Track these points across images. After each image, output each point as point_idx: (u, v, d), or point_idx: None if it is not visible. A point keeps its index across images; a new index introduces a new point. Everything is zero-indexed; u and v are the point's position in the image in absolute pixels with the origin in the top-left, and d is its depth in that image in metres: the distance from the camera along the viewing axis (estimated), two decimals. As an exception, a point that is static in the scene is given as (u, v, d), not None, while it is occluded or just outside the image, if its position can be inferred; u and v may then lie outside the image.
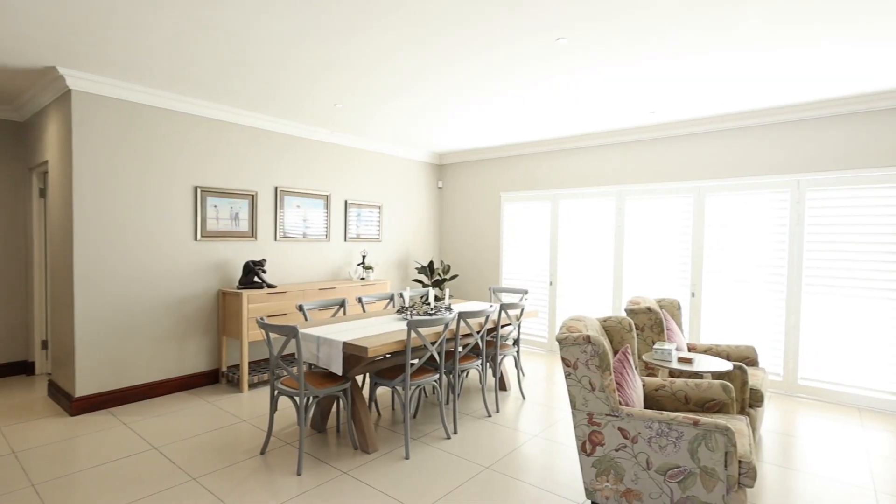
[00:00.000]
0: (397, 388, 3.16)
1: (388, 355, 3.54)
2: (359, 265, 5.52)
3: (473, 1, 2.46)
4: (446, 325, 3.20)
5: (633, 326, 2.86)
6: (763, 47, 2.97)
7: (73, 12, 2.61)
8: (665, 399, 2.76)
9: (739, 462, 2.10)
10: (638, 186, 5.15)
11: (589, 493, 2.40)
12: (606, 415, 2.32)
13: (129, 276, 3.92)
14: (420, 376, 3.20)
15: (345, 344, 2.92)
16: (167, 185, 4.14)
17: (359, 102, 4.27)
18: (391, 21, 2.69)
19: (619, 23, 2.68)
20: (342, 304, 4.03)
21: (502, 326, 4.41)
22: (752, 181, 4.47)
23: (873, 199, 3.94)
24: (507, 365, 5.27)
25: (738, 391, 3.00)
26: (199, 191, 4.31)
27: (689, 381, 2.77)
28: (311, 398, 2.94)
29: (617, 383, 2.43)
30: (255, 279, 4.70)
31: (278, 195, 4.94)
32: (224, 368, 4.46)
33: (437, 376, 3.28)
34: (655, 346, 3.12)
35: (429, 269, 6.19)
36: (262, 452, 3.03)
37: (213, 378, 4.47)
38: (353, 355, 3.09)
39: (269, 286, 4.52)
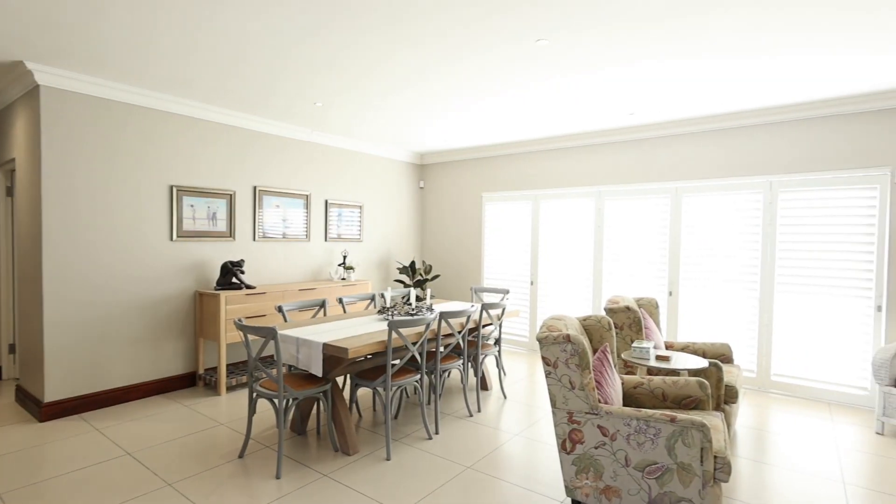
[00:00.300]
0: (378, 388, 3.14)
1: (369, 356, 3.52)
2: (340, 265, 5.47)
3: (453, 3, 2.45)
4: (427, 326, 3.19)
5: (613, 325, 2.90)
6: (737, 55, 3.04)
7: (41, 4, 2.52)
8: (643, 396, 2.81)
9: (715, 457, 2.15)
10: (617, 187, 5.22)
11: (569, 490, 2.42)
12: (586, 413, 2.34)
13: (101, 277, 3.81)
14: (401, 377, 3.18)
15: (325, 345, 2.88)
16: (142, 183, 4.04)
17: (340, 102, 4.23)
18: (369, 20, 2.67)
19: (598, 25, 2.71)
20: (322, 304, 3.98)
21: (484, 326, 4.42)
22: (726, 182, 4.58)
23: (841, 199, 4.07)
24: (489, 364, 5.29)
25: (714, 388, 3.07)
26: (175, 190, 4.22)
27: (667, 378, 2.82)
28: (290, 400, 2.90)
29: (596, 381, 2.46)
30: (234, 280, 4.62)
31: (257, 195, 4.87)
32: (201, 371, 4.37)
33: (418, 377, 3.27)
34: (634, 344, 3.17)
35: (410, 270, 6.17)
36: (241, 456, 2.98)
37: (189, 381, 4.38)
38: (334, 356, 3.06)
39: (248, 287, 4.44)
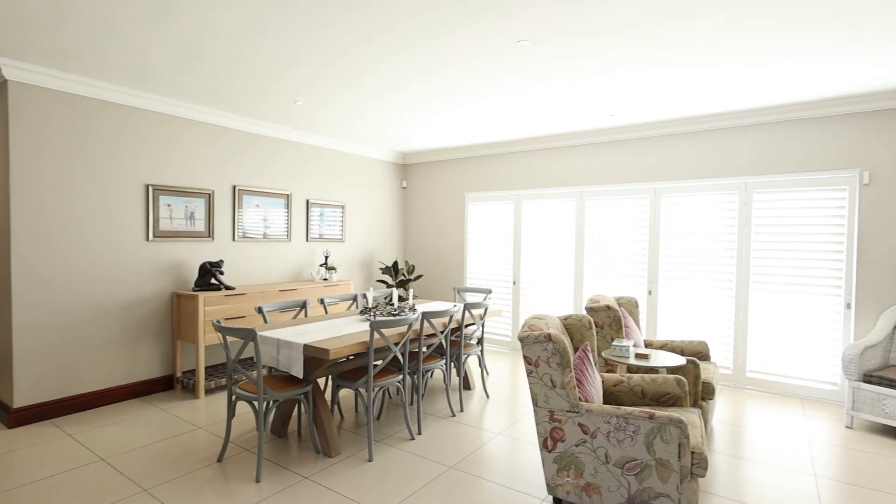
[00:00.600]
0: (360, 389, 3.12)
1: (350, 357, 3.49)
2: (321, 266, 5.42)
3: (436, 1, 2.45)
4: (410, 326, 3.18)
5: (593, 324, 2.93)
6: (712, 61, 3.11)
7: (7, -3, 2.44)
8: (623, 394, 2.84)
9: (692, 453, 2.19)
10: (598, 187, 5.29)
11: (550, 488, 2.44)
12: (567, 411, 2.36)
13: (74, 278, 3.70)
14: (383, 377, 3.17)
15: (306, 346, 2.85)
16: (116, 182, 3.94)
17: (321, 101, 4.19)
18: (352, 20, 2.65)
19: (578, 26, 2.74)
20: (303, 305, 3.94)
21: (466, 326, 4.43)
22: (703, 183, 4.67)
23: (812, 200, 4.19)
24: (472, 364, 5.30)
25: (691, 385, 3.13)
26: (151, 189, 4.12)
27: (646, 376, 2.87)
28: (270, 402, 2.86)
29: (577, 380, 2.48)
30: (213, 281, 4.54)
31: (236, 194, 4.79)
32: (179, 374, 4.28)
33: (400, 377, 3.26)
34: (614, 342, 3.21)
35: (393, 270, 6.15)
36: (220, 460, 2.93)
37: (167, 384, 4.28)
38: (315, 358, 3.03)
39: (227, 288, 4.37)
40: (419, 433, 3.38)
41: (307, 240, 5.55)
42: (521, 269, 5.87)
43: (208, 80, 3.70)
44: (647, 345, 3.96)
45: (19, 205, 3.43)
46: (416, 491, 2.62)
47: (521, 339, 2.42)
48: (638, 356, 3.18)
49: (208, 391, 4.25)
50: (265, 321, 3.65)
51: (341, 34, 2.87)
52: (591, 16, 2.60)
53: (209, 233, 4.58)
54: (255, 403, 2.84)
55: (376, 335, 3.22)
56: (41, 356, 3.56)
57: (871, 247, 3.95)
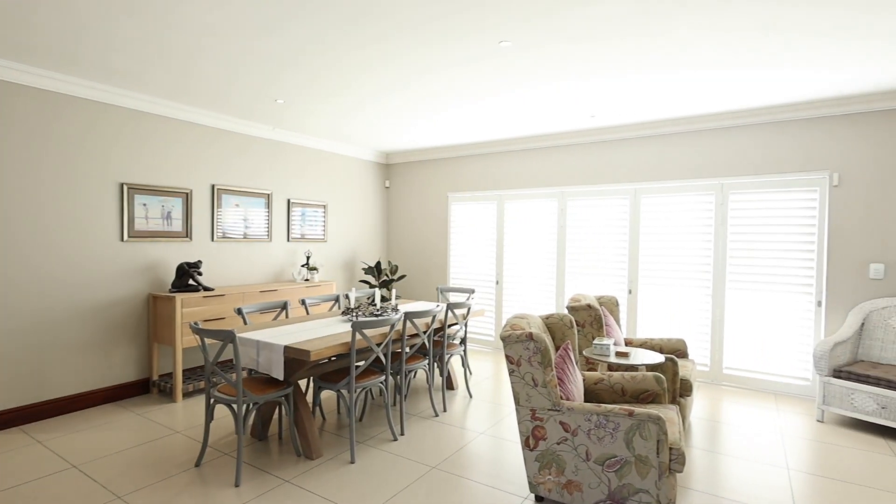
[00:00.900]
0: (342, 391, 3.09)
1: (332, 358, 3.46)
2: (303, 266, 5.36)
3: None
4: (392, 326, 3.17)
5: (574, 323, 2.96)
6: (689, 67, 3.17)
7: (-28, -12, 2.35)
8: (603, 392, 2.88)
9: (670, 449, 2.23)
10: (579, 188, 5.35)
11: (532, 486, 2.46)
12: (548, 409, 2.38)
13: (43, 280, 3.59)
14: (366, 378, 3.15)
15: (286, 347, 2.82)
16: (88, 181, 3.83)
17: (302, 99, 4.14)
18: (331, 15, 2.63)
19: (558, 27, 2.76)
20: (284, 306, 3.89)
21: (449, 326, 4.43)
22: (681, 184, 4.76)
23: (785, 201, 4.30)
24: (455, 364, 5.31)
25: (670, 382, 3.18)
26: (125, 188, 4.02)
27: (626, 373, 2.91)
28: (250, 405, 2.82)
29: (558, 378, 2.50)
30: (190, 282, 4.45)
31: (215, 193, 4.70)
32: (155, 377, 4.18)
33: (383, 378, 3.24)
34: (595, 341, 3.25)
35: (376, 270, 6.11)
36: (198, 465, 2.87)
37: (143, 388, 4.18)
38: (296, 359, 2.99)
39: (206, 289, 4.29)
40: (402, 434, 3.37)
41: (288, 240, 5.48)
42: (504, 268, 5.90)
43: (184, 77, 3.62)
44: (628, 343, 4.02)
45: (-14, 204, 3.31)
46: (399, 492, 2.61)
47: (503, 339, 2.43)
48: (618, 354, 3.22)
49: (186, 395, 4.16)
50: (245, 323, 3.59)
51: (321, 31, 2.84)
52: (569, 19, 2.62)
53: (187, 233, 4.48)
54: (234, 406, 2.79)
55: (358, 336, 3.20)
56: (8, 361, 3.44)
57: (841, 246, 4.08)
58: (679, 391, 3.25)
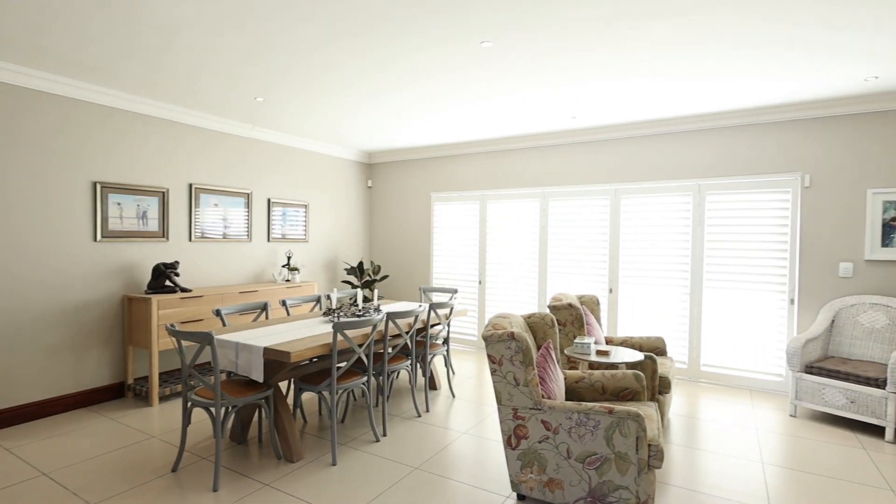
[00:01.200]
0: (324, 392, 3.06)
1: (314, 359, 3.42)
2: (284, 267, 5.29)
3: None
4: (374, 327, 3.15)
5: (556, 322, 2.99)
6: (663, 75, 3.23)
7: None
8: (584, 390, 2.91)
9: (649, 445, 2.26)
10: (561, 188, 5.39)
11: (514, 485, 2.47)
12: (530, 408, 2.40)
13: (13, 280, 3.46)
14: (348, 379, 3.12)
15: (266, 349, 2.78)
16: (59, 179, 3.71)
17: (282, 98, 4.09)
18: (317, 13, 2.60)
19: (538, 28, 2.78)
20: (264, 307, 3.84)
21: (432, 326, 4.42)
22: (660, 185, 4.85)
23: (759, 202, 4.41)
24: (438, 364, 5.30)
25: (649, 379, 3.23)
26: (98, 186, 3.91)
27: (606, 372, 2.94)
28: (229, 408, 2.77)
29: (540, 377, 2.52)
30: (167, 283, 4.35)
31: (193, 192, 4.61)
32: (130, 381, 4.08)
33: (365, 379, 3.22)
34: (576, 340, 3.28)
35: (358, 270, 6.07)
36: (174, 470, 2.81)
37: (117, 392, 4.07)
38: (276, 361, 2.95)
39: (183, 290, 4.20)
40: (384, 435, 3.36)
41: (269, 240, 5.41)
42: (487, 268, 5.91)
43: (157, 73, 3.54)
44: (608, 341, 4.07)
45: (-51, 203, 3.18)
46: (381, 493, 2.59)
47: (485, 338, 2.43)
48: (599, 353, 3.26)
49: (162, 398, 4.07)
50: (224, 324, 3.53)
51: (300, 28, 2.80)
52: (549, 18, 2.65)
53: (163, 233, 4.38)
54: (212, 409, 2.74)
55: (340, 337, 3.17)
56: (-25, 365, 3.31)
57: (812, 245, 4.20)
58: (658, 388, 3.31)
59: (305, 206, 5.88)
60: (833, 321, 3.99)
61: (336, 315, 3.60)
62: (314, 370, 3.31)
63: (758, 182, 4.41)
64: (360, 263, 6.06)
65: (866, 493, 2.63)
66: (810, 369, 3.67)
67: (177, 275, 4.18)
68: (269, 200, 5.40)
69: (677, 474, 2.83)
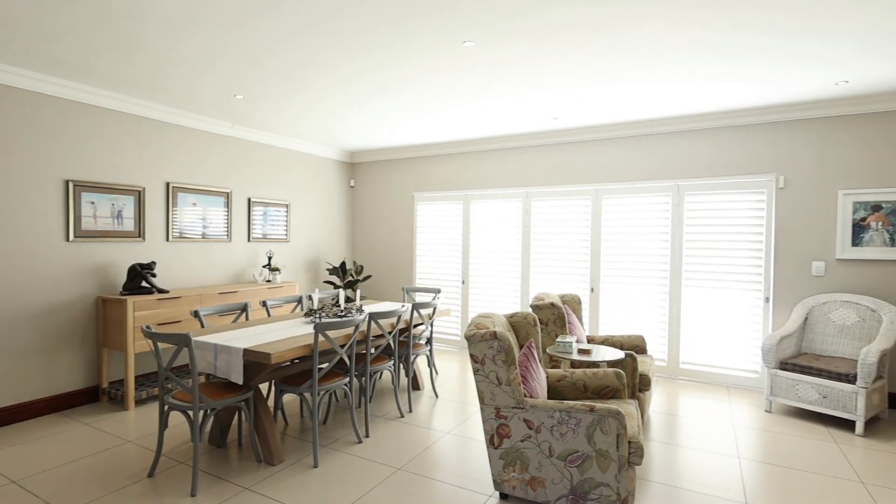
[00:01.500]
0: (305, 394, 3.03)
1: (295, 360, 3.38)
2: (265, 267, 5.22)
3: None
4: (356, 327, 3.13)
5: (538, 321, 3.01)
6: (645, 78, 3.28)
7: None
8: (566, 389, 2.93)
9: (629, 443, 2.29)
10: (543, 188, 5.43)
11: (497, 484, 2.48)
12: (513, 407, 2.41)
13: (-22, 283, 3.34)
14: (329, 380, 3.09)
15: (245, 351, 2.73)
16: (27, 177, 3.59)
17: (262, 96, 4.03)
18: (292, 8, 2.57)
19: (521, 29, 2.80)
20: (244, 308, 3.78)
21: (415, 326, 4.41)
22: (640, 185, 4.92)
23: (735, 202, 4.51)
24: (421, 364, 5.29)
25: (629, 377, 3.28)
26: (71, 185, 3.80)
27: (588, 370, 2.97)
28: (207, 411, 2.71)
29: (522, 377, 2.53)
30: (143, 284, 4.25)
31: (170, 191, 4.51)
32: (105, 385, 3.97)
33: (347, 380, 3.19)
34: (558, 339, 3.31)
35: (341, 270, 6.02)
36: (151, 475, 2.74)
37: (91, 396, 3.96)
38: (256, 362, 2.91)
39: (161, 291, 4.11)
40: (367, 436, 3.33)
41: (249, 240, 5.33)
42: (470, 268, 5.92)
43: (129, 68, 3.45)
44: (590, 340, 4.11)
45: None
46: (363, 495, 2.57)
47: (468, 338, 2.43)
48: (580, 352, 3.29)
49: (139, 402, 3.98)
50: (202, 325, 3.46)
51: (279, 22, 2.77)
52: (531, 19, 2.66)
53: (139, 233, 4.28)
54: (190, 413, 2.68)
55: (321, 337, 3.14)
56: (-61, 370, 3.19)
57: (786, 245, 4.31)
58: (638, 386, 3.35)
59: (287, 206, 5.81)
60: (806, 319, 4.10)
61: (318, 315, 3.57)
62: (295, 371, 3.27)
63: (734, 183, 4.51)
64: (343, 263, 6.01)
65: (837, 485, 2.71)
66: (784, 366, 3.76)
67: (153, 275, 4.09)
68: (249, 200, 5.32)
69: (657, 470, 2.87)
